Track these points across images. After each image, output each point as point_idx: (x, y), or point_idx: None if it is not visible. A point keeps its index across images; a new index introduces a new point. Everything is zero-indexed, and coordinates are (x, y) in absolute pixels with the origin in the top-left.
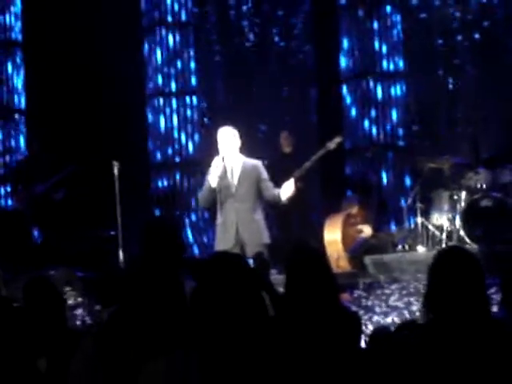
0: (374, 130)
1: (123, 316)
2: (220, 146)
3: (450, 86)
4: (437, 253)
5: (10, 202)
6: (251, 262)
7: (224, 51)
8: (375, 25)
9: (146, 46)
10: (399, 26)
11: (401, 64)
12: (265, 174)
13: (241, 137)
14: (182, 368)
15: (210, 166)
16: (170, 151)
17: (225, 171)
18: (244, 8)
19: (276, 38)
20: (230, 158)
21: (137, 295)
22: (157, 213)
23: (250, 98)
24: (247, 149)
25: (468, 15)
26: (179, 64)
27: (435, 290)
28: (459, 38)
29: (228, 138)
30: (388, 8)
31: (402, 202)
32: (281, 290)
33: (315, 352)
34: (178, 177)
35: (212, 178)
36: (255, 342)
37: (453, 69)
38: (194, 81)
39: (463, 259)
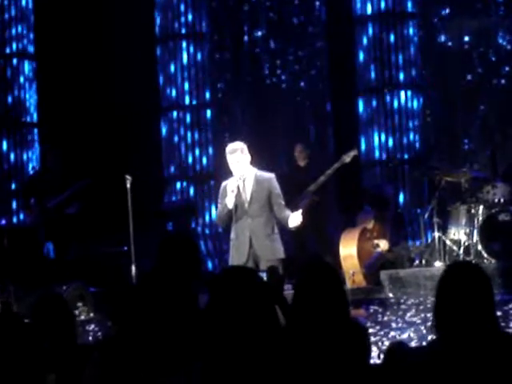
0: (391, 143)
1: (133, 330)
2: (230, 164)
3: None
4: (445, 268)
5: (22, 217)
6: (265, 275)
7: (238, 65)
8: (392, 38)
9: (160, 59)
10: (416, 39)
11: (417, 77)
12: (277, 189)
13: (250, 150)
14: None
15: (223, 179)
16: (183, 165)
17: (238, 187)
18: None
19: (291, 55)
20: (242, 173)
21: (148, 309)
22: (170, 227)
23: (265, 112)
24: (262, 162)
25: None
26: (193, 77)
27: (443, 304)
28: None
29: (237, 155)
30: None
31: (419, 216)
32: None
33: (322, 366)
34: (191, 190)
35: (229, 200)
36: (266, 355)
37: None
38: (208, 94)
39: (470, 274)
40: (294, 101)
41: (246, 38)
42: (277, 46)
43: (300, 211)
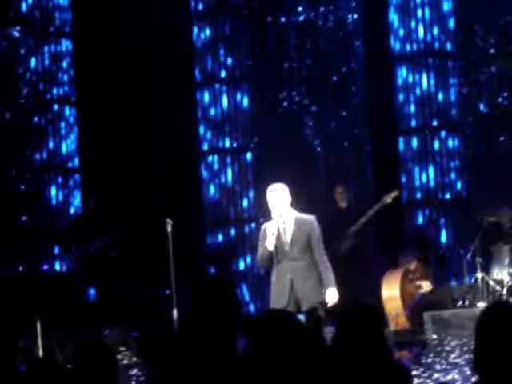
0: (432, 183)
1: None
2: (270, 203)
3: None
4: (484, 308)
5: (64, 261)
6: (304, 318)
7: (275, 106)
8: (431, 78)
9: (200, 103)
10: (456, 79)
11: (458, 117)
12: (317, 233)
13: (291, 192)
14: None
15: (264, 221)
16: (224, 208)
17: (278, 229)
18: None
19: (330, 115)
20: (282, 215)
21: (188, 355)
22: (212, 270)
23: (303, 154)
24: (302, 205)
25: None
26: (233, 120)
27: (482, 345)
28: None
29: (278, 194)
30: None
31: (462, 256)
32: None
33: None
34: (233, 233)
35: (269, 243)
36: None
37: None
38: (248, 136)
39: (510, 314)
40: (333, 142)
41: (285, 96)
42: (315, 105)
43: (335, 290)
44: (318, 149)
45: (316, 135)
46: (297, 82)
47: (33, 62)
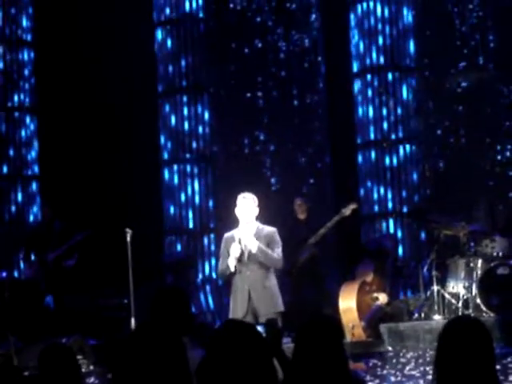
0: (390, 196)
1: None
2: (239, 209)
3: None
4: (446, 322)
5: (22, 269)
6: (262, 329)
7: (237, 114)
8: (390, 91)
9: (162, 112)
10: (413, 94)
11: (415, 130)
12: (277, 243)
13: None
14: None
15: (224, 232)
16: (183, 217)
17: (239, 239)
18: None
19: (293, 101)
20: (246, 224)
21: (136, 362)
22: (169, 280)
23: (263, 165)
24: (261, 216)
25: None
26: (194, 129)
27: (443, 359)
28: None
29: (248, 203)
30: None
31: (418, 269)
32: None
33: None
34: (191, 243)
35: (231, 264)
36: None
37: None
38: (208, 146)
39: (471, 329)
40: (293, 154)
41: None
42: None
43: (261, 247)
44: (274, 188)
45: (276, 172)
46: (258, 119)
47: None
